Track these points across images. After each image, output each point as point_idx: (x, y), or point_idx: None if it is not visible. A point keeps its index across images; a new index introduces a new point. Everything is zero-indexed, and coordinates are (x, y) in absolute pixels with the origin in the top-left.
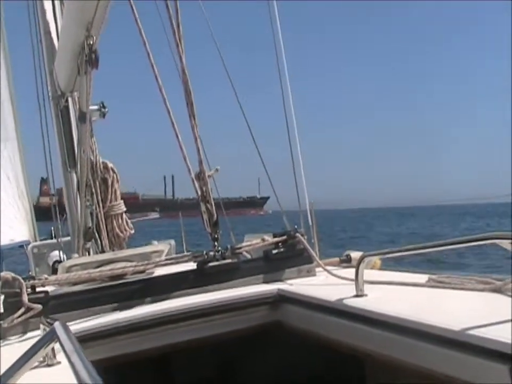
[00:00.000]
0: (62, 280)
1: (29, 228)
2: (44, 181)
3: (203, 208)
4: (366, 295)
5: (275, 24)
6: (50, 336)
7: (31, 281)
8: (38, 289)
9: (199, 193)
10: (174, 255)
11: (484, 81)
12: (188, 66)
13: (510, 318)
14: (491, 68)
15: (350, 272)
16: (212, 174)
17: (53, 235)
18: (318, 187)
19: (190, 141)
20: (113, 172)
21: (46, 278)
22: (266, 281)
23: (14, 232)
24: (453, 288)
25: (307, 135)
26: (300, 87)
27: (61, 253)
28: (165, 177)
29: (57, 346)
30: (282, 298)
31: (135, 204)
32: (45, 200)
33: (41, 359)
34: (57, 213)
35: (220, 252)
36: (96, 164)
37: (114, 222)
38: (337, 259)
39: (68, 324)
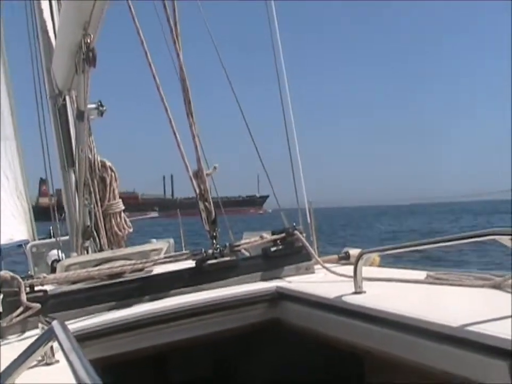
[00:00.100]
0: (61, 279)
1: (28, 227)
2: (43, 182)
3: (201, 206)
4: (364, 292)
5: (273, 24)
6: (49, 335)
7: (30, 280)
8: (36, 288)
9: (197, 191)
10: (172, 253)
11: (484, 81)
12: (186, 65)
13: (509, 314)
14: (491, 67)
15: (349, 269)
16: (210, 173)
17: (52, 234)
18: (317, 185)
19: (188, 140)
20: (112, 170)
21: (44, 277)
22: (264, 279)
23: (12, 232)
24: (452, 285)
25: (306, 133)
26: (298, 86)
27: (60, 252)
28: (164, 177)
29: (55, 345)
30: (281, 296)
31: (134, 204)
32: (44, 200)
33: (40, 358)
34: (56, 212)
35: (218, 250)
36: (94, 162)
37: (113, 220)
38: (335, 256)
39: (66, 322)
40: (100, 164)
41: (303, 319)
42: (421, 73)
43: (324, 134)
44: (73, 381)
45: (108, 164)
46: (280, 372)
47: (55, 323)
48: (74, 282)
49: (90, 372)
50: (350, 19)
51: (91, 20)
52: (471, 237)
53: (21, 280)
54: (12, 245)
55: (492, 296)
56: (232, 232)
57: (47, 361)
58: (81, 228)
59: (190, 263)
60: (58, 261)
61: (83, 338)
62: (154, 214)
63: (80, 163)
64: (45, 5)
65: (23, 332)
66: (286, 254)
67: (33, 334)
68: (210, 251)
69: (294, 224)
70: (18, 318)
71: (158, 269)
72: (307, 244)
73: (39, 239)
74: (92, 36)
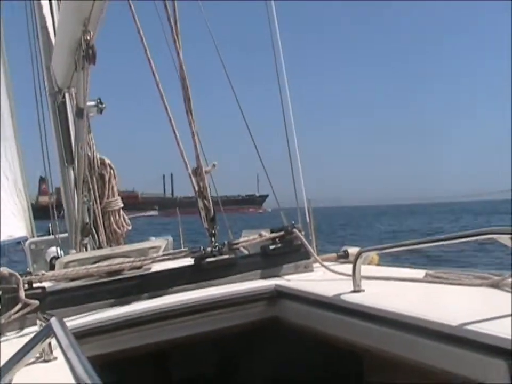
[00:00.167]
0: (59, 276)
1: (27, 225)
2: (42, 180)
3: (200, 204)
4: (363, 291)
5: (273, 24)
6: (47, 332)
7: (28, 277)
8: (35, 285)
9: (196, 189)
10: (171, 251)
11: (484, 81)
12: (186, 64)
13: (507, 313)
14: (491, 67)
15: (348, 268)
16: (209, 170)
17: (51, 231)
18: (317, 185)
19: (188, 137)
20: (111, 168)
21: (43, 274)
22: (263, 277)
23: (12, 229)
24: (451, 284)
25: (306, 133)
26: (298, 86)
27: (59, 249)
28: (164, 176)
29: (54, 342)
30: (280, 294)
31: (134, 203)
32: (44, 199)
33: (38, 354)
34: (55, 210)
35: (217, 248)
36: (93, 159)
37: (112, 218)
38: (334, 255)
39: (64, 319)
40: (99, 161)
41: (301, 317)
42: (421, 73)
43: (324, 133)
44: (71, 378)
45: (107, 161)
46: (279, 369)
47: (53, 320)
48: (72, 280)
49: (88, 369)
50: (350, 19)
51: (91, 17)
52: (470, 236)
53: (19, 277)
54: (10, 242)
55: (490, 295)
56: (231, 230)
57: (45, 358)
58: (80, 225)
59: (189, 261)
60: (57, 258)
61: (82, 335)
62: (154, 213)
63: (79, 160)
64: (44, 3)
65: (21, 328)
66: (285, 252)
67: (31, 331)
68: (209, 249)
69: (293, 222)
70: (16, 315)
71: (157, 267)
72: (306, 242)
73: (38, 236)
74: (91, 33)
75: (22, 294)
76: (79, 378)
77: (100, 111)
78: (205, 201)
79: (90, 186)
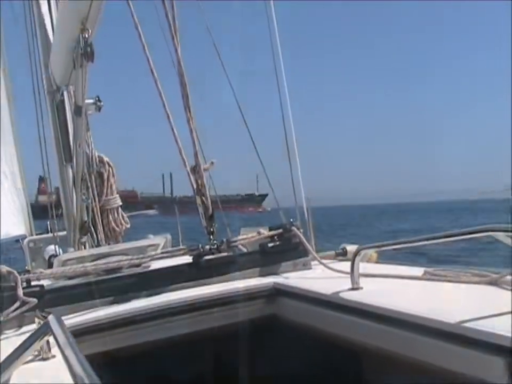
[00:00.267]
0: (57, 274)
1: (25, 223)
2: (42, 180)
3: (198, 201)
4: (361, 288)
5: (272, 24)
6: (44, 330)
7: (26, 275)
8: (33, 283)
9: (195, 186)
10: (169, 249)
11: (484, 81)
12: (185, 61)
13: (505, 310)
14: (491, 66)
15: (346, 266)
16: (207, 167)
17: (49, 229)
18: (317, 185)
19: (186, 135)
20: (109, 165)
21: (41, 272)
22: (262, 275)
23: (10, 227)
24: (449, 281)
25: (306, 133)
26: (297, 85)
27: (57, 247)
28: (163, 175)
29: (52, 339)
30: (278, 292)
31: (133, 202)
32: (43, 198)
33: (36, 352)
34: (54, 209)
35: (215, 245)
36: (92, 157)
37: (110, 216)
38: (333, 252)
39: (63, 317)
40: (97, 159)
41: (300, 315)
42: (421, 73)
43: (324, 134)
44: (69, 376)
45: (106, 159)
46: (277, 367)
47: (51, 317)
48: (71, 278)
49: (86, 366)
50: (349, 19)
51: (89, 15)
52: (467, 234)
53: (17, 274)
54: (9, 240)
55: (488, 293)
56: (229, 228)
57: (44, 356)
58: (79, 223)
59: (187, 259)
60: (55, 256)
61: (80, 333)
62: (153, 212)
63: (77, 158)
64: (42, 1)
65: (19, 326)
66: (283, 250)
67: (30, 329)
68: (207, 247)
69: (292, 220)
70: (14, 313)
71: (155, 265)
72: (304, 240)
73: (37, 235)
74: (90, 31)
75: (20, 292)
76: (77, 376)
77: (98, 109)
78: (203, 199)
79: (89, 184)
